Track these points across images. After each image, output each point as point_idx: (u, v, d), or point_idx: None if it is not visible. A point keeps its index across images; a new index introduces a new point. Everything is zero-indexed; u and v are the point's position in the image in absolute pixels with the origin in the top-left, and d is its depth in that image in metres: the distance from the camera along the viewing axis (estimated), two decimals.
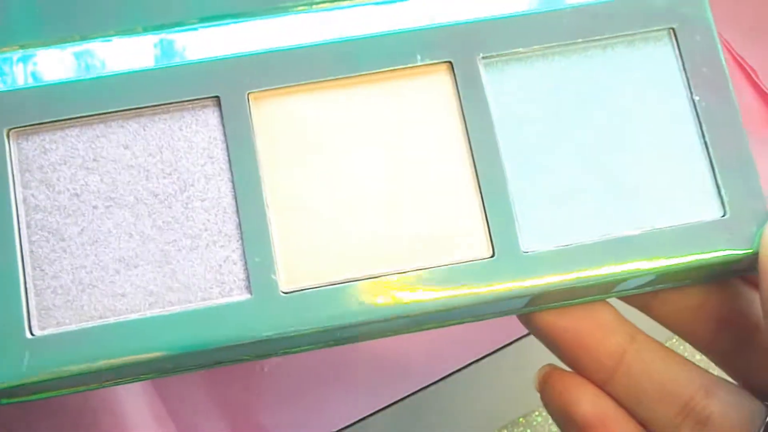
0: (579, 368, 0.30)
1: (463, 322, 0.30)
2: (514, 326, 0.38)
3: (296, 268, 0.28)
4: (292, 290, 0.28)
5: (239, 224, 0.29)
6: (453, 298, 0.28)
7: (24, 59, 0.29)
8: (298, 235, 0.29)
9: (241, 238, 0.28)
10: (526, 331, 0.39)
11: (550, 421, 0.48)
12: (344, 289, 0.28)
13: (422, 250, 0.29)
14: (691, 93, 0.30)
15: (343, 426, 0.37)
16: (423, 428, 0.43)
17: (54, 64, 0.29)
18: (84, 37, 0.30)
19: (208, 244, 0.28)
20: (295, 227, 0.29)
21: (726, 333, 0.30)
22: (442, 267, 0.28)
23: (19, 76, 0.29)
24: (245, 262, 0.28)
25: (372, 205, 0.29)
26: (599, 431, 0.30)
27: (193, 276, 0.28)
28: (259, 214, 0.29)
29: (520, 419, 0.48)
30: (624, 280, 0.29)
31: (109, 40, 0.30)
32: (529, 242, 0.29)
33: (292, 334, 0.28)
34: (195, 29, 0.30)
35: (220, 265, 0.28)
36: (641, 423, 0.30)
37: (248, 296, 0.28)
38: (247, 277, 0.28)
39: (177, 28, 0.30)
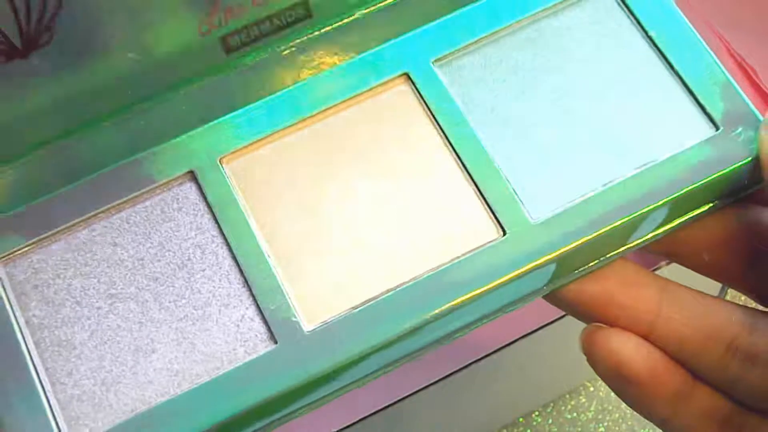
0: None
1: (495, 317, 0.28)
2: (513, 326, 0.38)
3: (313, 305, 0.28)
4: (315, 327, 0.27)
5: (245, 281, 0.28)
6: (480, 288, 0.27)
7: None
8: (306, 274, 0.28)
9: (252, 294, 0.28)
10: (524, 332, 0.39)
11: (550, 420, 0.47)
12: (366, 310, 0.27)
13: (432, 251, 0.28)
14: (645, 31, 0.30)
15: (343, 426, 0.37)
16: (423, 428, 0.42)
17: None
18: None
19: (220, 308, 0.28)
20: (300, 267, 0.28)
21: (754, 261, 0.29)
22: (456, 261, 0.28)
23: None
24: (262, 315, 0.27)
25: (369, 223, 0.28)
26: (651, 384, 0.28)
27: (213, 344, 0.27)
28: (262, 266, 0.28)
29: (520, 419, 0.47)
30: (640, 220, 0.28)
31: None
32: (536, 211, 0.28)
33: (330, 369, 0.27)
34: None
35: (238, 325, 0.27)
36: (688, 369, 0.29)
37: (274, 345, 0.27)
38: (269, 328, 0.27)
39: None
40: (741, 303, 0.30)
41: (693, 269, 0.30)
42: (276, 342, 0.27)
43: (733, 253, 0.29)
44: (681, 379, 0.29)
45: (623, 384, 0.29)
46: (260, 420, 0.27)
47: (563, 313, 0.39)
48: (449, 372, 0.39)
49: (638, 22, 0.30)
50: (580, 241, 0.28)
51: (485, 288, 0.27)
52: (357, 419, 0.38)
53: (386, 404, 0.38)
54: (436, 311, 0.27)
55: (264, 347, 0.27)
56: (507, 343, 0.39)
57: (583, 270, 0.29)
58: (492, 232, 0.28)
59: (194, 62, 0.29)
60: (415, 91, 0.30)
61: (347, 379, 0.27)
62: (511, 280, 0.28)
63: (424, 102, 0.30)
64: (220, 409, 0.26)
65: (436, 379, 0.39)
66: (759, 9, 0.42)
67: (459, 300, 0.27)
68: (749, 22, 0.41)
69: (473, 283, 0.27)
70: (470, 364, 0.39)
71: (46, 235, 0.29)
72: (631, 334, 0.28)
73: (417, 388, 0.38)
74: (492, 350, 0.39)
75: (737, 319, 0.29)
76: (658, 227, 0.29)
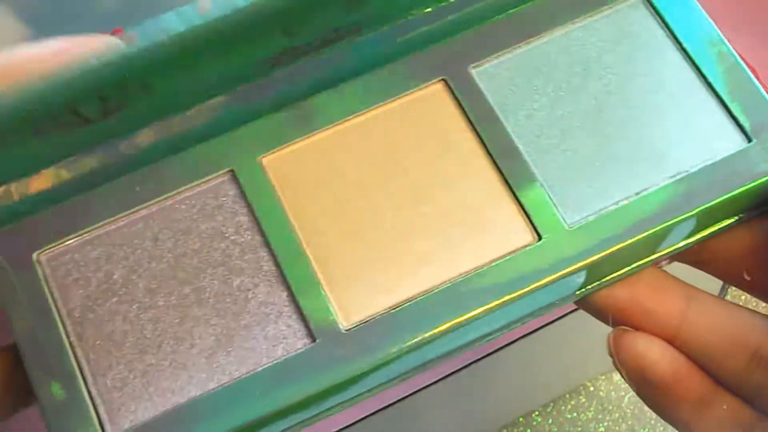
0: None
1: (526, 321, 0.29)
2: None
3: (351, 304, 0.28)
4: (353, 325, 0.28)
5: (284, 279, 0.28)
6: (515, 292, 0.28)
7: None
8: (344, 274, 0.28)
9: (290, 292, 0.28)
10: (524, 332, 0.39)
11: (550, 420, 0.48)
12: (403, 310, 0.28)
13: (467, 254, 0.28)
14: (679, 42, 0.31)
15: (343, 426, 0.37)
16: (423, 428, 0.43)
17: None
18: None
19: (259, 305, 0.28)
20: (339, 267, 0.28)
21: None
22: (491, 264, 0.28)
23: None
24: (300, 314, 0.28)
25: (406, 225, 0.29)
26: (676, 388, 0.29)
27: (252, 339, 0.28)
28: (301, 265, 0.28)
29: (520, 419, 0.48)
30: (671, 229, 0.28)
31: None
32: (571, 216, 0.29)
33: (368, 368, 0.27)
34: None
35: (276, 323, 0.28)
36: (712, 375, 0.29)
37: (312, 343, 0.27)
38: (306, 326, 0.28)
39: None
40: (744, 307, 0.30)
41: (719, 278, 0.31)
42: (314, 340, 0.28)
43: (762, 263, 0.30)
44: (705, 384, 0.29)
45: (648, 387, 0.29)
46: (296, 415, 0.27)
47: (563, 312, 0.39)
48: (449, 371, 0.39)
49: (672, 33, 0.31)
50: (614, 248, 0.28)
51: (520, 292, 0.28)
52: (357, 419, 0.38)
53: (386, 404, 0.39)
54: (470, 314, 0.28)
55: (302, 345, 0.28)
56: (507, 342, 0.40)
57: (612, 278, 0.29)
58: (527, 236, 0.29)
59: (239, 77, 0.30)
60: (453, 96, 0.30)
61: (382, 377, 0.28)
62: (545, 285, 0.28)
63: (462, 107, 0.30)
64: (258, 405, 0.27)
65: (436, 378, 0.39)
66: (759, 9, 0.42)
67: (495, 303, 0.28)
68: (749, 22, 0.41)
69: (509, 287, 0.28)
70: (470, 363, 0.39)
71: (88, 229, 0.29)
72: (656, 338, 0.29)
73: (417, 388, 0.39)
74: (492, 350, 0.40)
75: (762, 329, 0.29)
76: (687, 236, 0.29)
